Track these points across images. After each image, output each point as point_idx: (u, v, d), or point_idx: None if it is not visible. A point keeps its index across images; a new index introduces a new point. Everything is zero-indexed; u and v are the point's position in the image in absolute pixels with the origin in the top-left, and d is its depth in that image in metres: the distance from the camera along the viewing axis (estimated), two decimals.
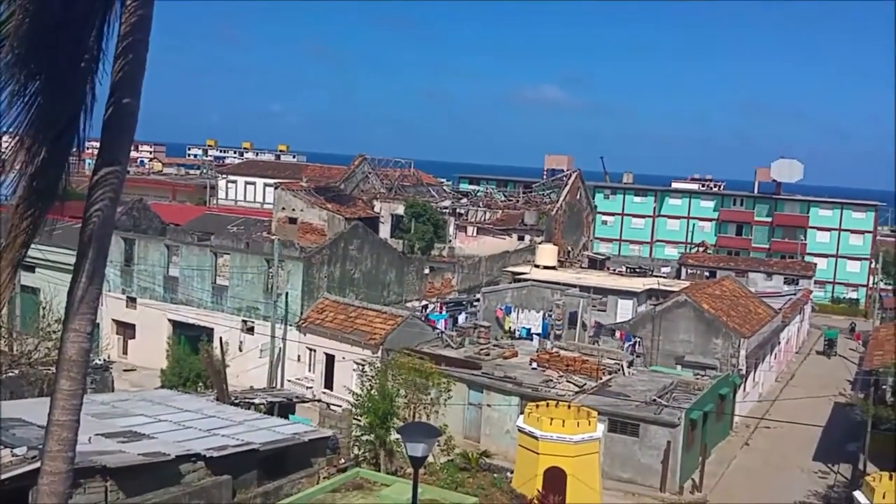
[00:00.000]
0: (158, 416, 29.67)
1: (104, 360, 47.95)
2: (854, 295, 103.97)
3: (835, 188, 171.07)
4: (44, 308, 37.84)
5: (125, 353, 57.01)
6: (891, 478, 23.93)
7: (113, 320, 56.95)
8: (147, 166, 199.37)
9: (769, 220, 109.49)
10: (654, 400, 40.43)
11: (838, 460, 45.38)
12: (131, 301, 56.85)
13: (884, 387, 45.52)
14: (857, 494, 23.73)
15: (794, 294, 75.63)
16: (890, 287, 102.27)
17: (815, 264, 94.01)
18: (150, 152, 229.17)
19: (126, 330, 57.47)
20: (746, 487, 40.94)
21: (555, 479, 26.85)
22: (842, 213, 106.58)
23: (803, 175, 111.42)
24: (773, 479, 42.45)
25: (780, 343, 62.49)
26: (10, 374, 34.50)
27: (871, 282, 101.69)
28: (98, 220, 10.00)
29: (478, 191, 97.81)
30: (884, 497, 22.41)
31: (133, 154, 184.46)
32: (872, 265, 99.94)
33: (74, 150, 10.04)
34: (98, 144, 10.39)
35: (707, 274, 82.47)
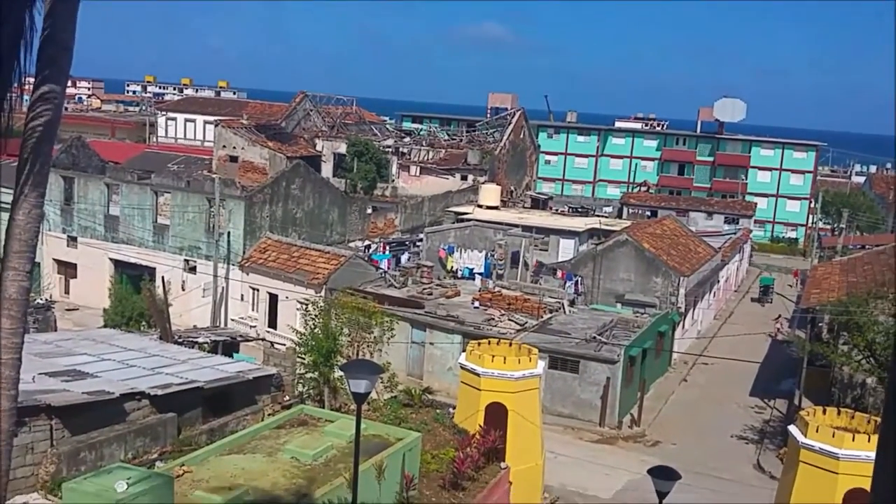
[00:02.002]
0: (102, 355, 29.57)
1: (46, 299, 47.61)
2: (793, 234, 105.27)
3: (777, 128, 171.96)
4: None
5: (67, 292, 56.52)
6: (824, 412, 24.55)
7: (54, 260, 56.37)
8: (85, 103, 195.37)
9: (711, 159, 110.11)
10: (594, 337, 41.07)
11: (774, 396, 46.53)
12: (72, 240, 56.20)
13: (820, 324, 46.47)
14: (792, 428, 24.29)
15: (734, 233, 76.64)
16: (829, 227, 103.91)
17: (756, 204, 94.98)
18: (89, 89, 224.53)
19: (67, 269, 56.91)
20: (684, 422, 41.89)
21: (496, 415, 27.17)
22: (783, 153, 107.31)
23: (746, 115, 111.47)
24: (710, 414, 43.45)
25: (719, 282, 63.51)
26: None
27: (810, 221, 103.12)
28: (38, 133, 9.80)
29: (421, 129, 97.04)
30: (816, 430, 22.99)
31: (71, 90, 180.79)
32: (812, 205, 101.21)
33: (15, 85, 9.84)
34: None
35: (648, 213, 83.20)
